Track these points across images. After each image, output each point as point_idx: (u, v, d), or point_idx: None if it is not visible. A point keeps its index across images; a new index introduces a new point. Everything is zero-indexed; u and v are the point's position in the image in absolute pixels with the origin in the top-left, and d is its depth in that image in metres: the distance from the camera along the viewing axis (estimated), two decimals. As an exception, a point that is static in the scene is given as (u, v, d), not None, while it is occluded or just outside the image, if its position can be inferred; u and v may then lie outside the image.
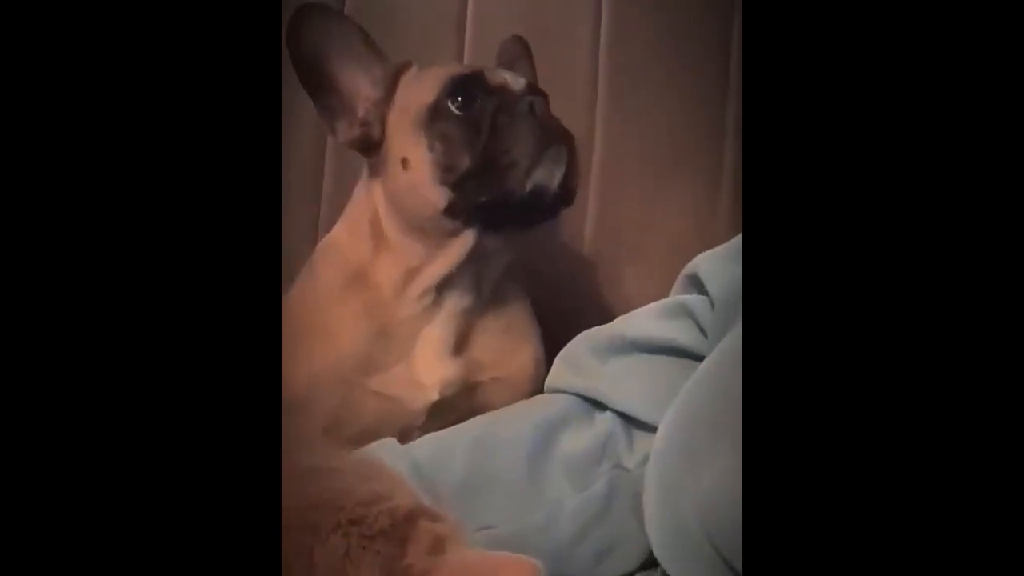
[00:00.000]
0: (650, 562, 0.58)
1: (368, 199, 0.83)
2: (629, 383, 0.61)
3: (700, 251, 0.70)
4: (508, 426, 0.64)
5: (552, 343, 0.86)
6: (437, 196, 0.78)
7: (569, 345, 0.65)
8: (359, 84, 0.81)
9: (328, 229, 0.88)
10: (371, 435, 0.73)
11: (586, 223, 1.02)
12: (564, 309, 0.95)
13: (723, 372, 0.52)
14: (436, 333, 0.82)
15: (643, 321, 0.63)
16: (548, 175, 0.78)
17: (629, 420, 0.60)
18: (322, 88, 0.80)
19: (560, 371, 0.65)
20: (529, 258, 0.90)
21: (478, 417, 0.73)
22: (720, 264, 0.62)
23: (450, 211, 0.79)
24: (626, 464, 0.60)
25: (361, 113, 0.81)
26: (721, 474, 0.47)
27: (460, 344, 0.83)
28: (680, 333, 0.61)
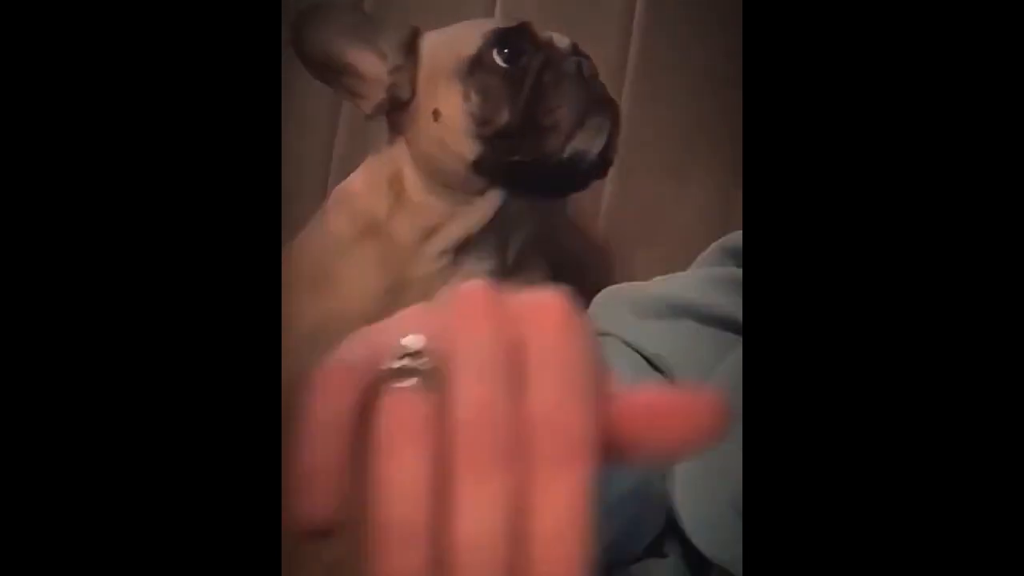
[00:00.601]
0: (656, 546, 0.56)
1: (391, 157, 0.80)
2: (676, 346, 0.58)
3: (715, 240, 0.68)
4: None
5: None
6: (467, 148, 0.75)
7: (600, 298, 0.62)
8: (372, 61, 0.78)
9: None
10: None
11: (603, 204, 1.01)
12: (576, 287, 0.94)
13: None
14: None
15: (691, 288, 0.60)
16: (589, 142, 0.75)
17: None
18: (337, 78, 0.78)
19: (600, 319, 0.62)
20: (549, 233, 0.88)
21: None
22: None
23: (479, 166, 0.76)
24: None
25: (386, 80, 0.78)
26: None
27: None
28: (732, 305, 0.58)
